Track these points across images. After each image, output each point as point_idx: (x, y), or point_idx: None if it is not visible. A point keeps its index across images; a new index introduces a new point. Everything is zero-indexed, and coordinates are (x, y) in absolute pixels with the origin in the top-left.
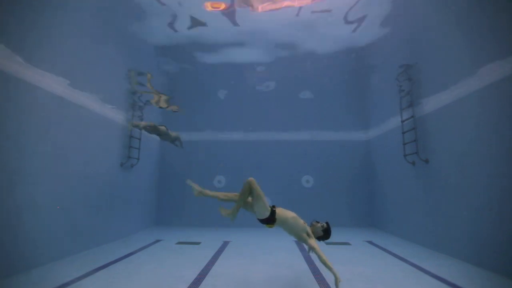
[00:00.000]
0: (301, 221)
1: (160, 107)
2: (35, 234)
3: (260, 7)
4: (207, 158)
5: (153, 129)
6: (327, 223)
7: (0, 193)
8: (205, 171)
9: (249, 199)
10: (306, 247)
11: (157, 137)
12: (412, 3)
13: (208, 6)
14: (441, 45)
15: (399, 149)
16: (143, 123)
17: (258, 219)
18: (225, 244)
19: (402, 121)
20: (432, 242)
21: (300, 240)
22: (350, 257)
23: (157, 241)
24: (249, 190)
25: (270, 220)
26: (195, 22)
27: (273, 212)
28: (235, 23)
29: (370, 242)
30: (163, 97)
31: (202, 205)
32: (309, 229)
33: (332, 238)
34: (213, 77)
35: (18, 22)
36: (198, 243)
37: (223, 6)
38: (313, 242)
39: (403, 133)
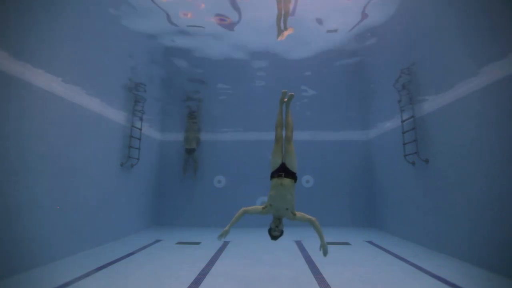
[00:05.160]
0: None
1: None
2: (35, 234)
3: None
4: (207, 158)
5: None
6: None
7: (0, 193)
8: (205, 171)
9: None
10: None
11: (158, 137)
12: (412, 3)
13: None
14: (441, 45)
15: (399, 149)
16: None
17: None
18: (225, 244)
19: (402, 121)
20: (432, 242)
21: (290, 216)
22: (350, 257)
23: (157, 241)
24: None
25: (287, 172)
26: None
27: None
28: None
29: (370, 242)
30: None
31: (202, 205)
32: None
33: (332, 238)
34: (213, 77)
35: (18, 22)
36: (198, 243)
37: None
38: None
39: (403, 133)
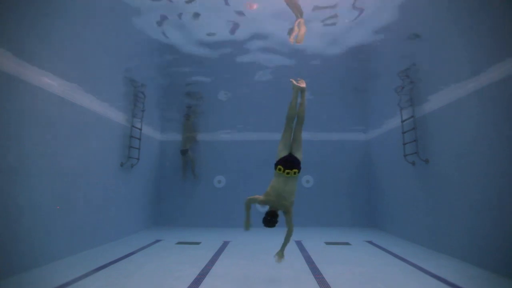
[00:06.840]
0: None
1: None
2: (35, 234)
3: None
4: (207, 158)
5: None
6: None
7: (0, 193)
8: (205, 171)
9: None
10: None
11: (158, 137)
12: (413, 3)
13: None
14: (441, 45)
15: (399, 149)
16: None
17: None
18: (225, 244)
19: (402, 121)
20: (432, 242)
21: (286, 209)
22: (350, 257)
23: (157, 241)
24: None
25: (294, 162)
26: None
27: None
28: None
29: (370, 242)
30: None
31: (202, 205)
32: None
33: (332, 238)
34: (213, 77)
35: (19, 22)
36: (198, 243)
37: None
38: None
39: (403, 133)
